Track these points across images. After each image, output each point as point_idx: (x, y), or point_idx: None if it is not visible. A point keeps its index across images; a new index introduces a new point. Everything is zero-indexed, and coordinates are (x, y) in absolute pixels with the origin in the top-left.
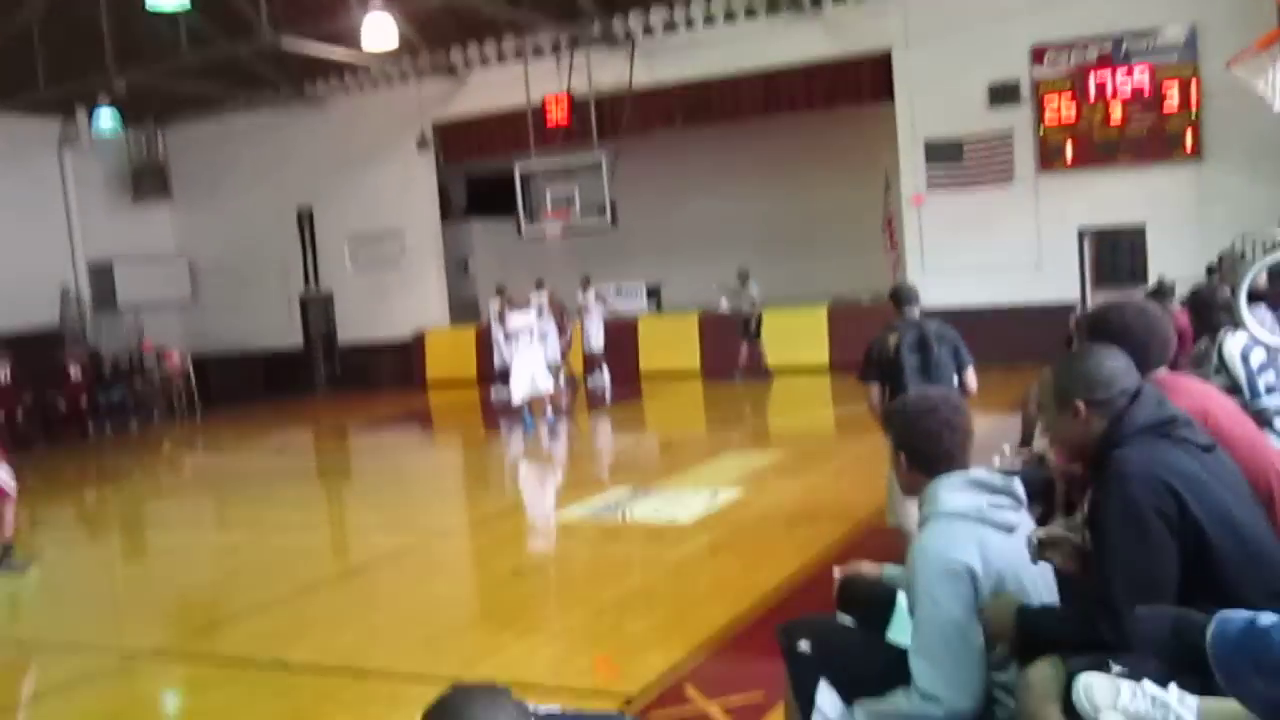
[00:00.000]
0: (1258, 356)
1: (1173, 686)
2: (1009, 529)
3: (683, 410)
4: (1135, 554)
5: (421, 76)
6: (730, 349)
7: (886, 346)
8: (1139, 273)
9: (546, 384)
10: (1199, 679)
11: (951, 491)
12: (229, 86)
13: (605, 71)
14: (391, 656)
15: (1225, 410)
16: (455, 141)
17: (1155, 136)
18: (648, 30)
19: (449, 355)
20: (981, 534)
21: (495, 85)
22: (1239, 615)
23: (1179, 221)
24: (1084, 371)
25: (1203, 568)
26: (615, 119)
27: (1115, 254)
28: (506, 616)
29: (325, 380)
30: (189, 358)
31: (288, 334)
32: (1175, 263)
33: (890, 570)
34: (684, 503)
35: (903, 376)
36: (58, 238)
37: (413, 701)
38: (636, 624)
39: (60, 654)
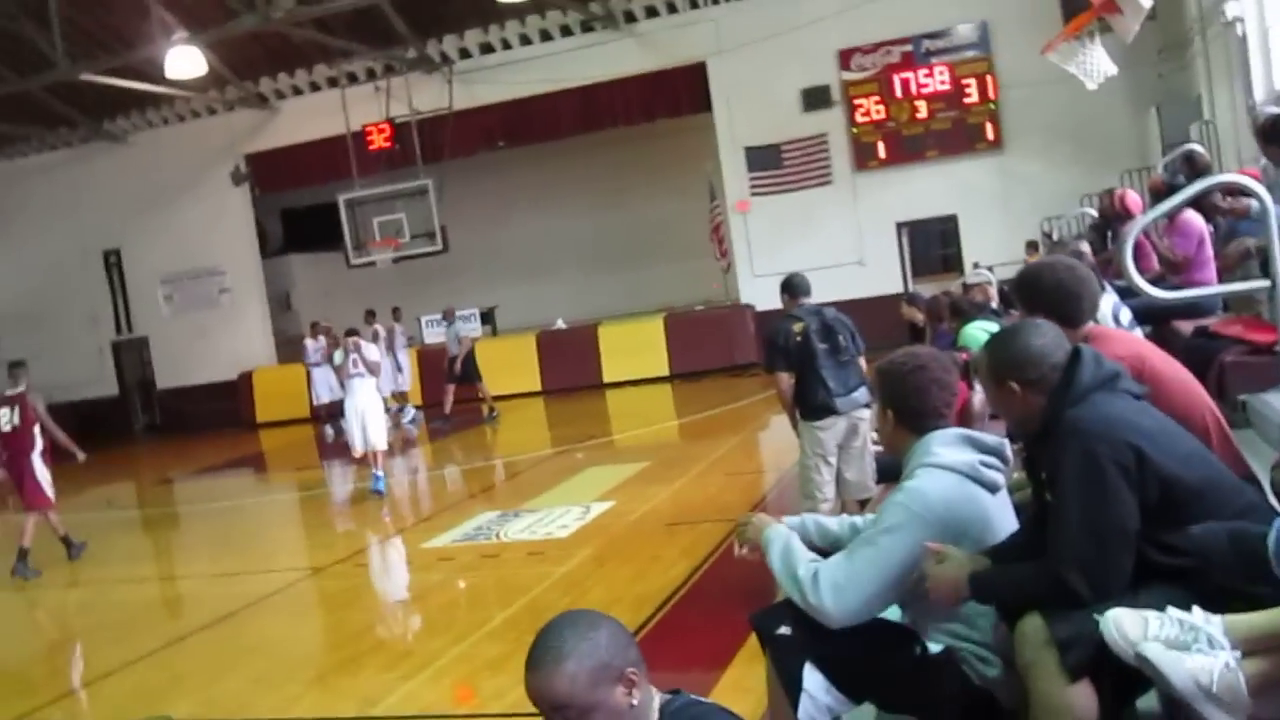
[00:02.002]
0: (1125, 316)
1: (1196, 609)
2: (994, 489)
3: (533, 430)
4: (1098, 508)
5: (232, 108)
6: (569, 366)
7: (793, 334)
8: (953, 261)
9: (380, 438)
10: (1216, 602)
11: (945, 446)
12: (21, 123)
13: (424, 95)
14: (282, 702)
15: (1158, 355)
16: (270, 173)
17: (959, 130)
18: (464, 53)
19: (280, 394)
20: (971, 491)
21: (310, 114)
22: None
23: (987, 210)
24: (1014, 353)
25: (1168, 507)
26: (438, 143)
27: (930, 245)
28: (400, 648)
29: (144, 428)
30: None
31: (99, 382)
32: (987, 249)
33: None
34: (557, 520)
35: (815, 362)
36: None
37: None
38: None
39: None
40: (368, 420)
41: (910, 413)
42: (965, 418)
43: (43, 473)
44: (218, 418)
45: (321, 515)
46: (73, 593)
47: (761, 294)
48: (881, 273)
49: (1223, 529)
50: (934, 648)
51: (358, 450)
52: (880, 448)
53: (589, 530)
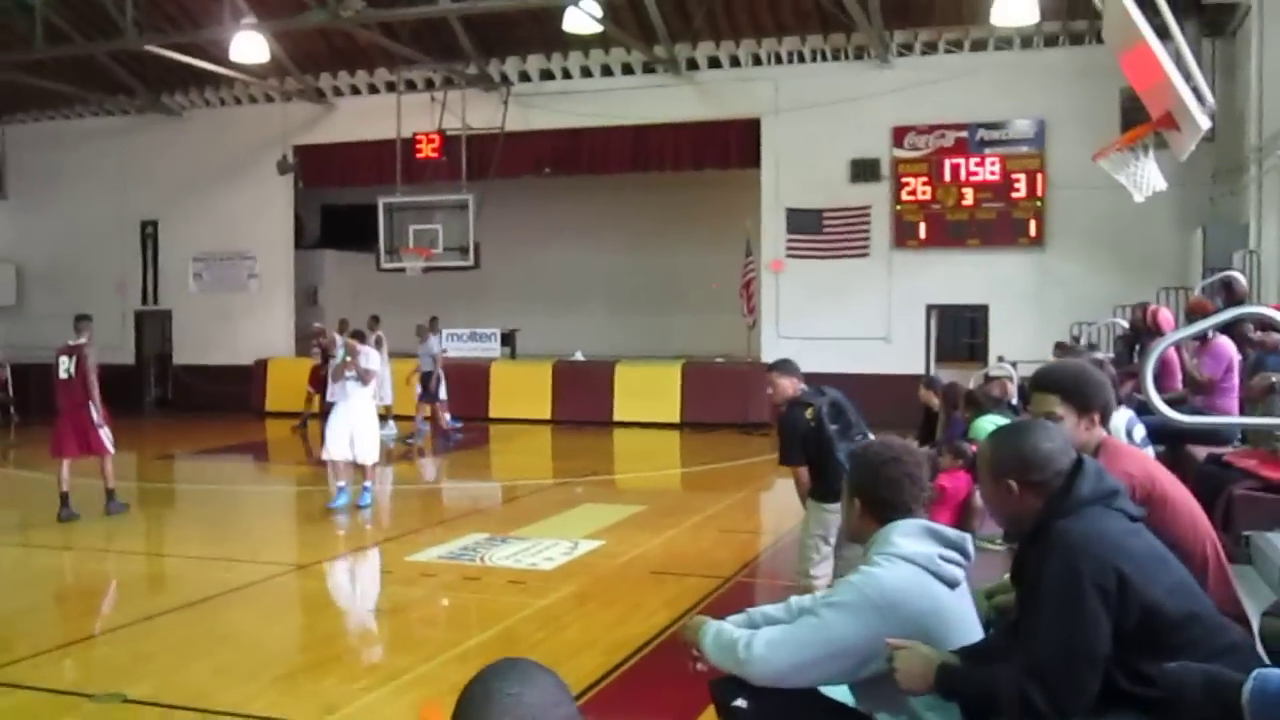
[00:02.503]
0: (1139, 433)
1: None
2: (953, 584)
3: (535, 459)
4: (1072, 626)
5: (288, 98)
6: (582, 399)
7: (806, 420)
8: (979, 351)
9: (369, 451)
10: None
11: (906, 536)
12: (81, 86)
13: (478, 112)
14: (242, 697)
15: (1168, 477)
16: (316, 167)
17: (1003, 222)
18: (524, 76)
19: (293, 385)
20: (928, 584)
21: (363, 115)
22: (1276, 673)
23: (1020, 305)
24: (1021, 452)
25: (1146, 635)
26: (484, 160)
27: (958, 331)
28: (367, 659)
29: (154, 401)
30: (8, 367)
31: (119, 350)
32: (1014, 344)
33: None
34: (544, 551)
35: (831, 446)
36: None
37: None
38: None
39: None
40: (358, 430)
41: (879, 503)
42: (966, 510)
43: (101, 421)
44: (228, 401)
45: (312, 512)
46: (63, 556)
47: (783, 354)
48: (906, 352)
49: (1199, 670)
50: None
51: (331, 454)
52: None
53: (574, 567)
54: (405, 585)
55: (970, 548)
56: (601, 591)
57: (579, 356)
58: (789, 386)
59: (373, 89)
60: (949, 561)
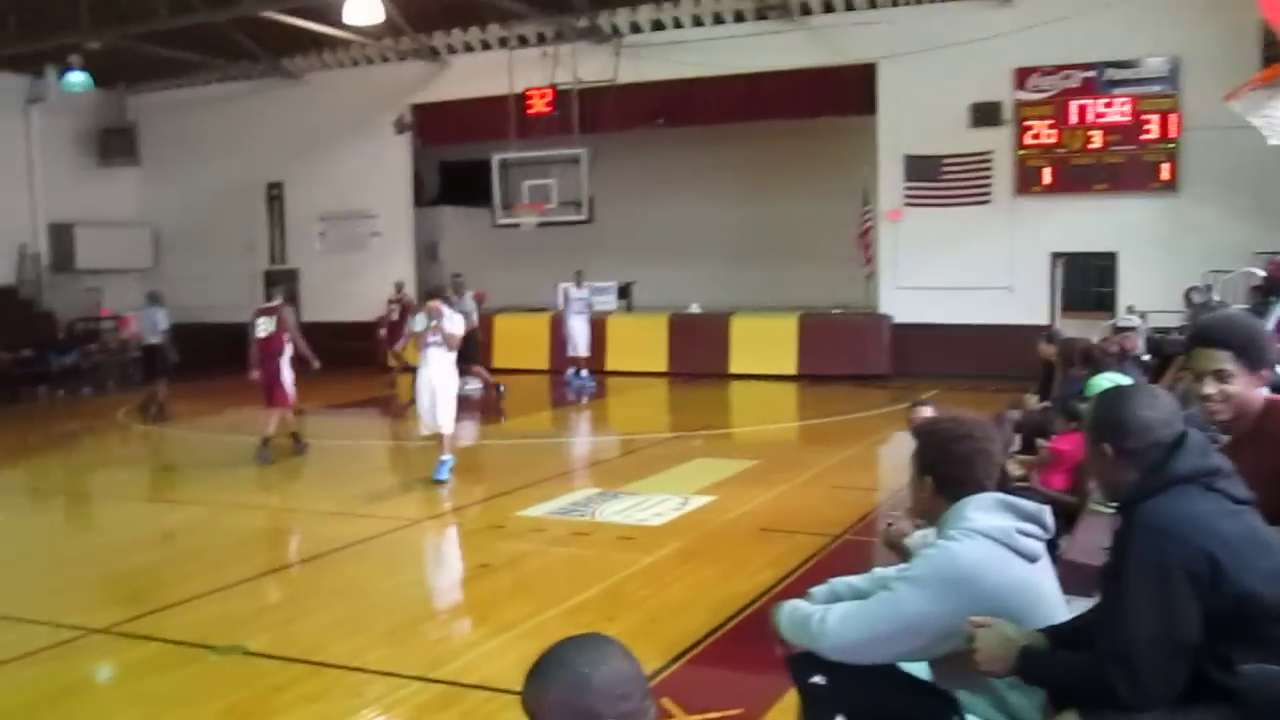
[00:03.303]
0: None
1: None
2: (1032, 558)
3: (650, 412)
4: (1159, 614)
5: (403, 58)
6: (697, 352)
7: None
8: (1107, 300)
9: (448, 420)
10: None
11: (981, 510)
12: (206, 54)
13: (590, 65)
14: (354, 650)
15: None
16: (433, 125)
17: (1133, 166)
18: (635, 27)
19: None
20: (1005, 559)
21: (476, 71)
22: None
23: (1151, 252)
24: (1118, 416)
25: (1239, 623)
26: (597, 114)
27: (1086, 280)
28: (475, 613)
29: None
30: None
31: (249, 308)
32: (1145, 293)
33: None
34: (654, 507)
35: None
36: (18, 196)
37: (376, 699)
38: (610, 628)
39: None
40: (438, 398)
41: (951, 481)
42: (1081, 473)
43: (288, 376)
44: (353, 356)
45: (429, 468)
46: (192, 510)
47: (902, 306)
48: (1029, 302)
49: (1277, 674)
50: (971, 719)
51: (424, 428)
52: None
53: (683, 523)
54: (516, 540)
55: (1049, 520)
56: (708, 548)
57: (695, 309)
58: None
59: (485, 45)
60: (1027, 535)
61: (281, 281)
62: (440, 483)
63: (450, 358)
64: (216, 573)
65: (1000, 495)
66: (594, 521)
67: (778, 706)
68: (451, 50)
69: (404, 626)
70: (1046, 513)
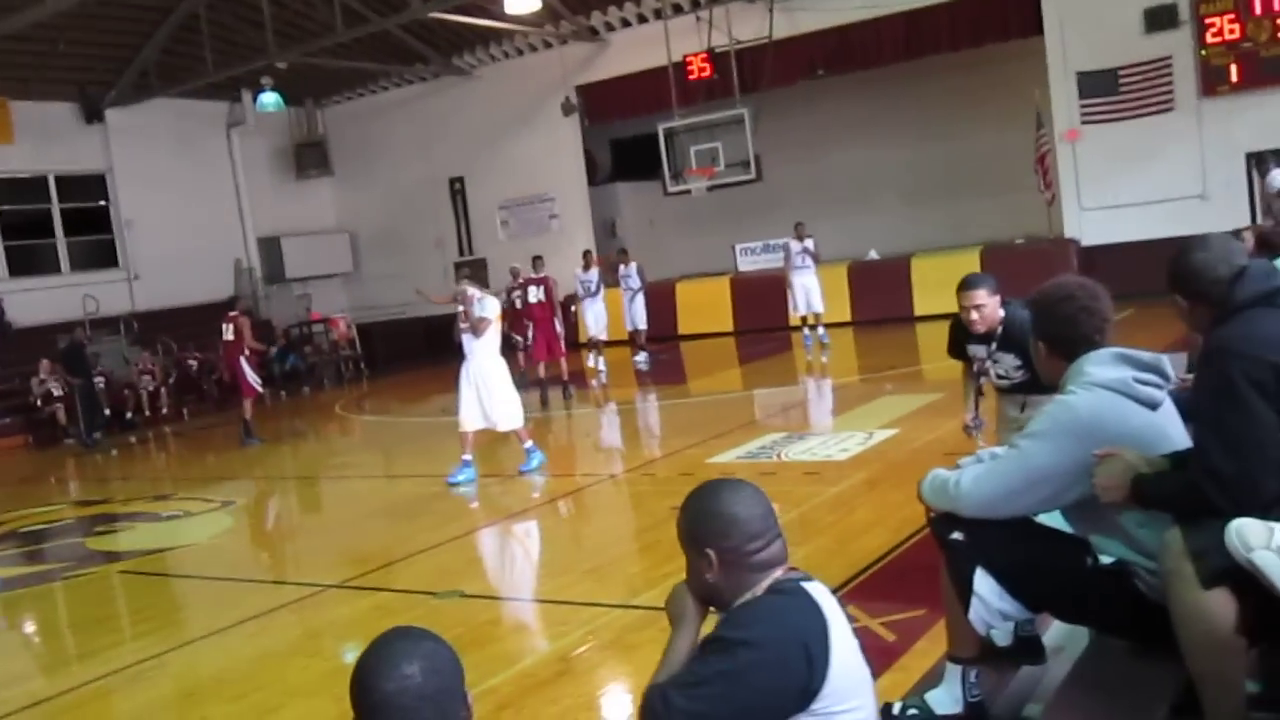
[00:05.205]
0: None
1: None
2: (1153, 405)
3: (838, 359)
4: (1231, 424)
5: (565, 41)
6: (880, 298)
7: None
8: None
9: (505, 416)
10: None
11: (1098, 365)
12: (382, 61)
13: (744, 25)
14: (559, 586)
15: None
16: (599, 104)
17: None
18: None
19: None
20: (1125, 407)
21: (635, 46)
22: None
23: None
24: (1176, 268)
25: None
26: (756, 72)
27: None
28: (668, 550)
29: None
30: (354, 326)
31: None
32: None
33: None
34: (840, 444)
35: None
36: (229, 215)
37: (582, 623)
38: (795, 552)
39: (260, 587)
40: (483, 392)
41: (1061, 341)
42: None
43: (559, 332)
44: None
45: (619, 431)
46: (408, 484)
47: (1089, 228)
48: (1226, 207)
49: None
50: (1106, 560)
51: (464, 425)
52: None
53: (868, 455)
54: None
55: (1169, 369)
56: (893, 475)
57: (873, 255)
58: None
59: (641, 18)
60: (1145, 384)
61: (541, 257)
62: (525, 472)
63: (493, 347)
64: (429, 534)
65: (1117, 349)
66: (780, 462)
67: (934, 629)
68: (610, 27)
69: (604, 565)
70: (1164, 361)
